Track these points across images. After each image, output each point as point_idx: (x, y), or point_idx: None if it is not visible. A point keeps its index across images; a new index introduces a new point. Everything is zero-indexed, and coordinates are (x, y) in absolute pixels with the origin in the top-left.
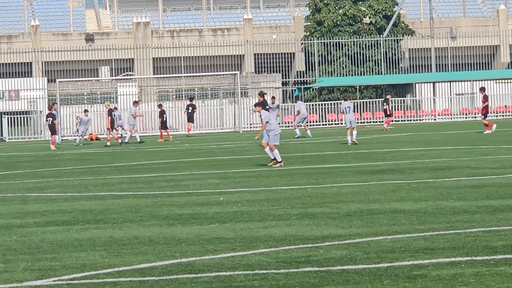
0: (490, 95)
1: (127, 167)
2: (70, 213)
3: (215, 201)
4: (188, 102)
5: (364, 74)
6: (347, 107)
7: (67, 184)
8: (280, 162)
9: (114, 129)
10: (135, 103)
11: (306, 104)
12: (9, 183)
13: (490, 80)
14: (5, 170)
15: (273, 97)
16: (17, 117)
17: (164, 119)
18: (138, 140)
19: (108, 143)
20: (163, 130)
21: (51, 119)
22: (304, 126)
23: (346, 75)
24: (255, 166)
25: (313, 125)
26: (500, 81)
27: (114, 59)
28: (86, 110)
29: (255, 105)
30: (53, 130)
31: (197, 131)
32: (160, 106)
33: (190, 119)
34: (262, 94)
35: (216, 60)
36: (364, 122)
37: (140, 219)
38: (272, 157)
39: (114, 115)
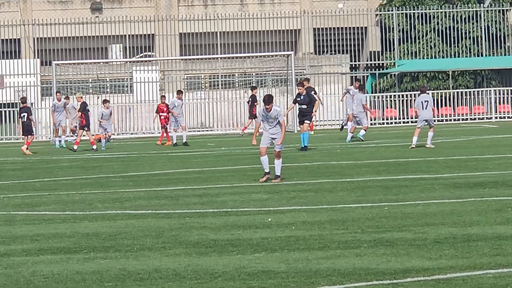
0: None
1: (145, 178)
2: (70, 237)
3: (261, 223)
4: (251, 93)
5: (459, 56)
6: (424, 101)
7: (66, 199)
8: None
9: (87, 129)
10: (179, 93)
11: (382, 96)
12: None
13: None
14: None
15: (357, 81)
16: (1, 111)
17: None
18: (174, 141)
19: (94, 147)
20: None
21: (26, 114)
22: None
23: (435, 57)
24: (314, 177)
25: (391, 123)
26: None
27: (129, 35)
28: (107, 101)
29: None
30: (28, 129)
31: (237, 130)
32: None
33: (252, 115)
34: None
35: (263, 37)
36: (459, 119)
37: (162, 246)
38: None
39: (89, 111)
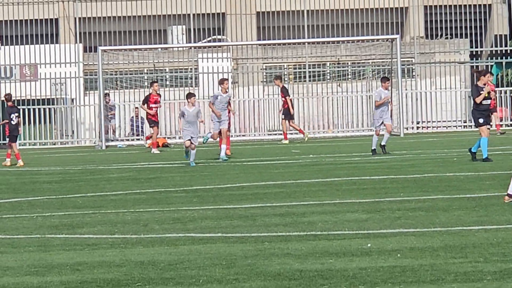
0: None
1: (214, 193)
2: (120, 267)
3: (358, 250)
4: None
5: None
6: None
7: (115, 219)
8: None
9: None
10: (190, 96)
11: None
12: (21, 217)
13: None
14: (15, 196)
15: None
16: (34, 109)
17: None
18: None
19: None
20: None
21: (15, 115)
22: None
23: None
24: (425, 192)
25: None
26: None
27: (193, 15)
28: (192, 95)
29: None
30: (14, 134)
31: (330, 133)
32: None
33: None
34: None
35: (361, 17)
36: None
37: (235, 278)
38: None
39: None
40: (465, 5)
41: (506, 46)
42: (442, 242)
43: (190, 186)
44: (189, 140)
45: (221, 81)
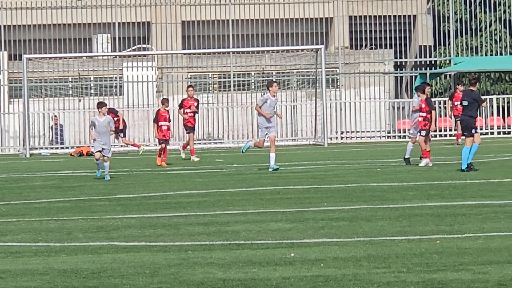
0: None
1: (137, 201)
2: (43, 275)
3: (282, 259)
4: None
5: None
6: None
7: (39, 227)
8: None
9: None
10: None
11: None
12: None
13: None
14: None
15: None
16: None
17: None
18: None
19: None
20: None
21: None
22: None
23: (501, 54)
24: (348, 202)
25: (446, 135)
26: None
27: (118, 24)
28: (103, 104)
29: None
30: None
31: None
32: None
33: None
34: None
35: (286, 27)
36: None
37: (158, 287)
38: None
39: None
40: (389, 16)
41: (430, 57)
42: (365, 252)
43: (114, 194)
44: (99, 151)
45: (270, 84)
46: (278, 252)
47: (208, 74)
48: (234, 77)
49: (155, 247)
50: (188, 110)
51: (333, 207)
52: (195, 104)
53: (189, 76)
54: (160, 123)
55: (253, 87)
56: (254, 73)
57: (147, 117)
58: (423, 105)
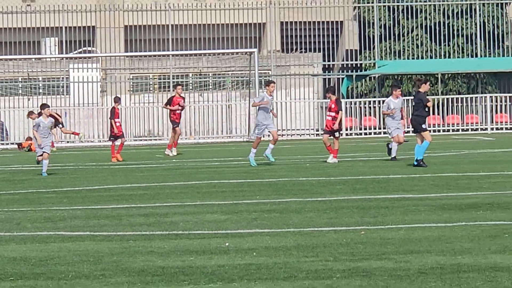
0: None
1: (82, 194)
2: None
3: (217, 248)
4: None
5: (450, 56)
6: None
7: None
8: None
9: None
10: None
11: (360, 101)
12: None
13: None
14: None
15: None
16: None
17: None
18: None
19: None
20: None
21: None
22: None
23: (422, 57)
24: (279, 195)
25: (371, 133)
26: None
27: (65, 28)
28: (46, 105)
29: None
30: None
31: (192, 140)
32: None
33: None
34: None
35: (221, 31)
36: (448, 130)
37: (102, 274)
38: None
39: None
40: (318, 22)
41: (356, 60)
42: (295, 242)
43: (61, 187)
44: (41, 155)
45: (268, 83)
46: (213, 242)
47: (149, 75)
48: (173, 78)
49: (99, 236)
50: (178, 107)
51: (265, 199)
52: (182, 101)
53: (131, 77)
54: (116, 119)
55: (191, 87)
56: (192, 75)
57: (91, 115)
58: (333, 105)
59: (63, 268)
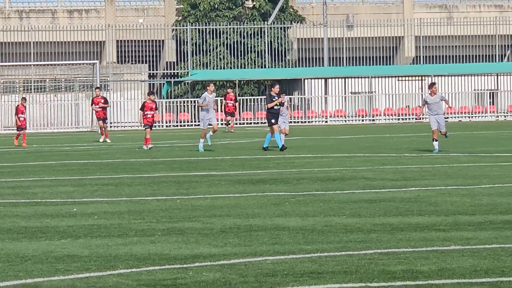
0: (391, 94)
1: None
2: None
3: (67, 213)
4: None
5: (245, 67)
6: None
7: None
8: None
9: None
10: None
11: (176, 101)
12: None
13: (392, 77)
14: None
15: None
16: None
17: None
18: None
19: None
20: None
21: None
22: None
23: (224, 68)
24: (115, 172)
25: (185, 125)
26: (403, 78)
27: None
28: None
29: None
30: None
31: (48, 130)
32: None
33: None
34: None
35: (71, 47)
36: (243, 123)
37: None
38: None
39: None
40: (145, 40)
41: (174, 69)
42: (126, 208)
43: None
44: None
45: (208, 84)
46: (64, 208)
47: (16, 80)
48: (34, 82)
49: None
50: (97, 106)
51: (104, 176)
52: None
53: (2, 81)
54: (19, 115)
55: (48, 90)
56: (49, 80)
57: None
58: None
59: None
